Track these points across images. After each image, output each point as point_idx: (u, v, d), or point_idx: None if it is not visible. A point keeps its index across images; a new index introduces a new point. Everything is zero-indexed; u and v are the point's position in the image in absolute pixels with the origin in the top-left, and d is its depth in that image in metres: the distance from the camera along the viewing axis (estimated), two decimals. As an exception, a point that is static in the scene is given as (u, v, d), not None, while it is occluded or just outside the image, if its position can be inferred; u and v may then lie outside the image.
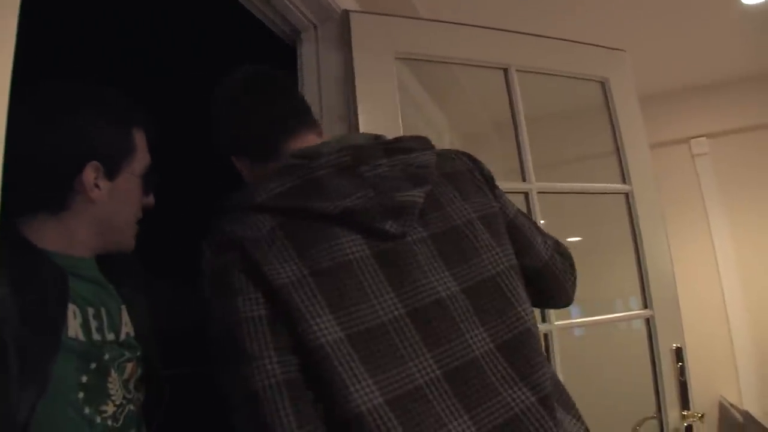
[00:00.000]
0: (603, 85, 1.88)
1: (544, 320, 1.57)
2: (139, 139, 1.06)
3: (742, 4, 2.42)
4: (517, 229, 1.02)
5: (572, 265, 1.13)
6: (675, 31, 2.35)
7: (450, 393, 0.78)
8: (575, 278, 1.13)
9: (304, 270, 0.79)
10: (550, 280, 1.07)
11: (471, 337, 0.83)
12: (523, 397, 0.81)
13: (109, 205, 0.99)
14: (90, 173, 0.95)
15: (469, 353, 0.82)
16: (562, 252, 1.11)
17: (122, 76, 1.71)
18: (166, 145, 1.16)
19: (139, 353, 1.04)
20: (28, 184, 0.90)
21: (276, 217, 0.84)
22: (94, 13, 1.76)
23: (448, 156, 1.03)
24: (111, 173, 0.99)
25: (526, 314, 0.89)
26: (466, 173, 1.01)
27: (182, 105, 1.69)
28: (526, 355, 0.85)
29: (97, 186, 0.97)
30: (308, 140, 1.01)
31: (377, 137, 1.01)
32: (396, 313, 0.80)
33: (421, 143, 0.99)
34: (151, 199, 1.11)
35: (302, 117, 1.05)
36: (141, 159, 1.05)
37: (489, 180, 1.04)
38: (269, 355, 0.75)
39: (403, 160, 0.93)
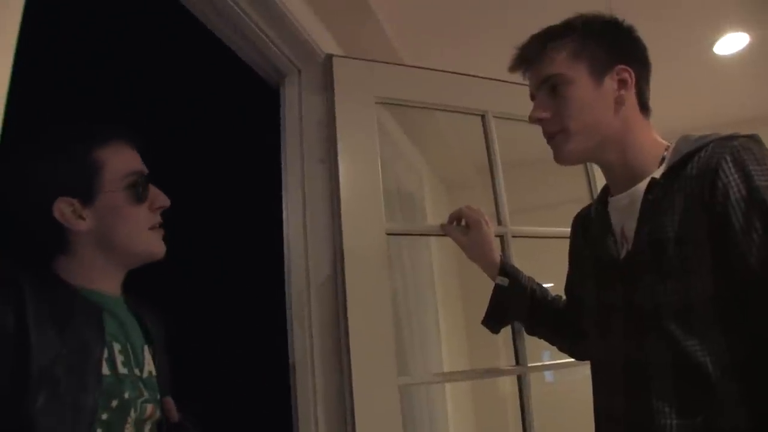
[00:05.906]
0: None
1: (518, 362, 1.57)
2: (108, 153, 1.03)
3: (714, 54, 2.52)
4: None
5: None
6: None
7: None
8: None
9: None
10: None
11: None
12: None
13: (102, 228, 1.00)
14: (64, 208, 0.97)
15: None
16: None
17: (101, 109, 1.73)
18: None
19: (158, 397, 1.03)
20: (24, 235, 0.99)
21: None
22: (72, 50, 1.79)
23: None
24: (87, 199, 0.99)
25: None
26: None
27: (165, 142, 1.70)
28: None
29: (81, 217, 0.98)
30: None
31: None
32: None
33: None
34: (159, 200, 1.09)
35: None
36: (115, 172, 1.03)
37: None
38: None
39: None
